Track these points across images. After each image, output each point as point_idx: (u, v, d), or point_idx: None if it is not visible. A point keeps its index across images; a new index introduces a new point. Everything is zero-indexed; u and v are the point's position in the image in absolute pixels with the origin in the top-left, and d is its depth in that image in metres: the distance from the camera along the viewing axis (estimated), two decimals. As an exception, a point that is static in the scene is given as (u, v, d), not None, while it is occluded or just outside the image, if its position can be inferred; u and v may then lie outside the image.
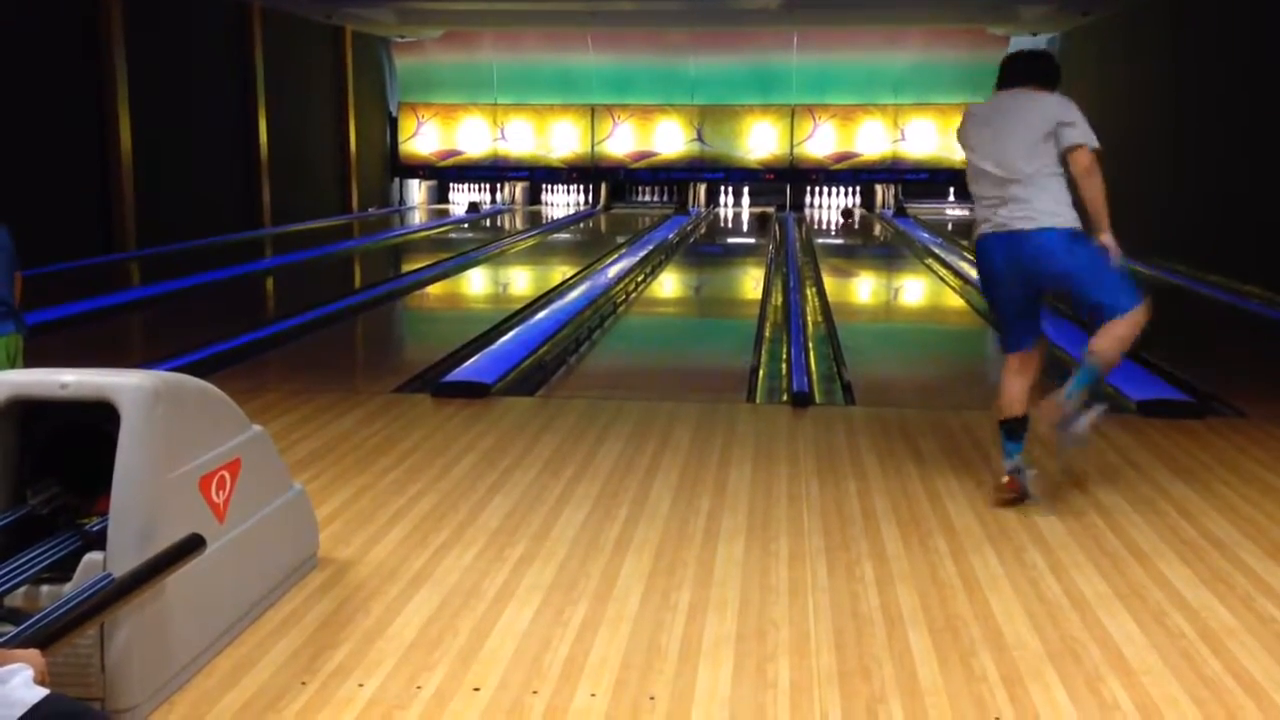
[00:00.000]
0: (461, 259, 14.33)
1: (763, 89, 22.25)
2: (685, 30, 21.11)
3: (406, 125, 23.09)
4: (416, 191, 23.84)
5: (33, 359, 4.35)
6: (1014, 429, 4.46)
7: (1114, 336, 4.28)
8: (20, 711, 1.88)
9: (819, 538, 4.10)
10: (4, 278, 4.40)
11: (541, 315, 9.47)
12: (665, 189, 23.58)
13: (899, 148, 22.20)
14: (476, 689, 2.97)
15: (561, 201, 23.59)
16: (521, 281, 13.39)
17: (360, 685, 2.98)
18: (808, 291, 11.31)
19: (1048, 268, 4.34)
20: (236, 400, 3.42)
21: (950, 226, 18.72)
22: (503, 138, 22.96)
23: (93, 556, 2.79)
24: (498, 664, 3.10)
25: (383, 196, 22.63)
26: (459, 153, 23.08)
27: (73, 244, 12.68)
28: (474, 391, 6.32)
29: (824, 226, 20.17)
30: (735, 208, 23.38)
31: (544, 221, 20.69)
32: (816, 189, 22.92)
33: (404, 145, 23.13)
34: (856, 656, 3.17)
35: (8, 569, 2.74)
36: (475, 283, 13.05)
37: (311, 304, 9.97)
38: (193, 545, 2.93)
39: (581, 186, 23.44)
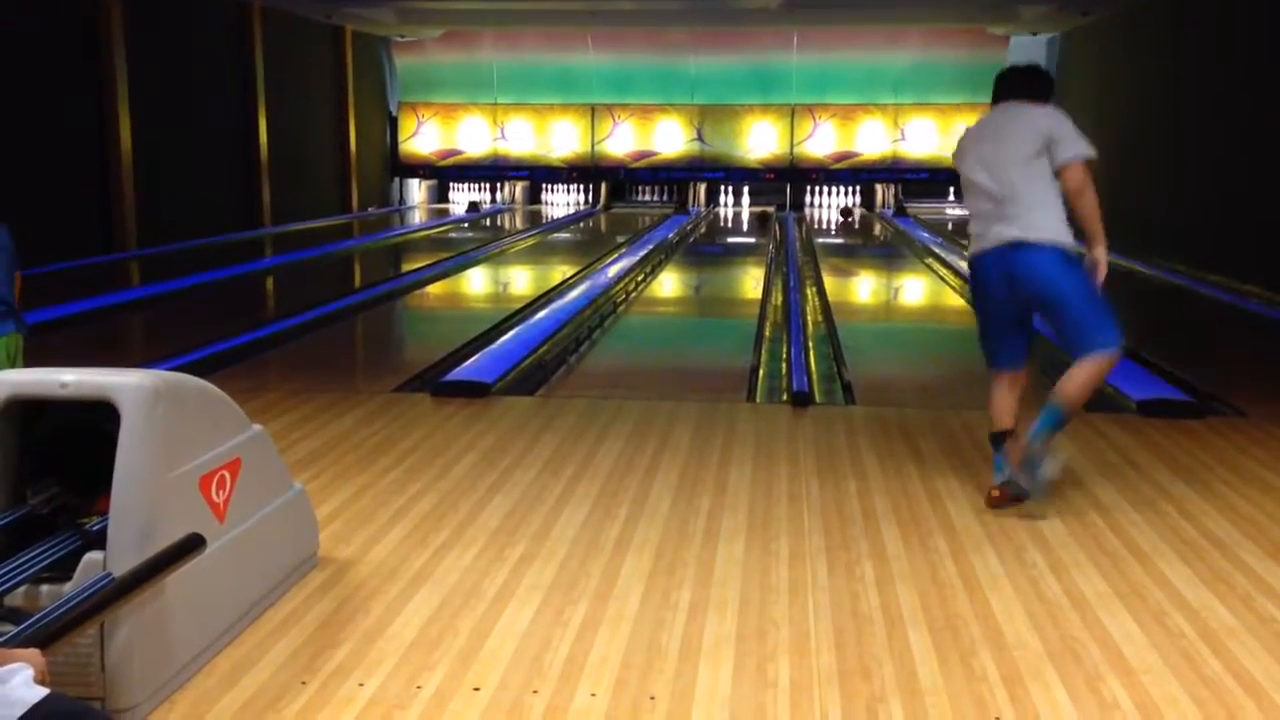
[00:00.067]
0: (461, 258, 14.33)
1: (763, 88, 22.25)
2: (685, 30, 21.12)
3: (406, 125, 23.10)
4: (416, 191, 23.85)
5: (33, 358, 4.35)
6: (1004, 441, 4.46)
7: (1081, 381, 4.24)
8: (20, 711, 1.88)
9: (819, 537, 4.10)
10: (4, 277, 4.40)
11: (541, 315, 9.47)
12: (665, 188, 23.58)
13: (899, 147, 22.20)
14: (476, 689, 2.97)
15: (561, 201, 23.60)
16: (521, 281, 13.39)
17: (360, 685, 2.99)
18: (808, 291, 11.31)
19: (1038, 287, 4.30)
20: (237, 400, 3.42)
21: (950, 226, 18.71)
22: (503, 137, 22.96)
23: (93, 556, 2.79)
24: (498, 664, 3.10)
25: (383, 196, 22.63)
26: (459, 152, 23.08)
27: (73, 244, 12.69)
28: (474, 391, 6.32)
29: (824, 226, 20.17)
30: (735, 207, 23.39)
31: (544, 221, 20.69)
32: (816, 188, 22.92)
33: (404, 145, 23.13)
34: (856, 656, 3.17)
35: (8, 568, 2.74)
36: (475, 282, 13.05)
37: (311, 304, 9.98)
38: (193, 545, 2.93)
39: (581, 186, 23.45)
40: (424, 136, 23.10)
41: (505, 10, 18.61)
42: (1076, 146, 4.28)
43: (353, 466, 4.94)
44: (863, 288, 13.40)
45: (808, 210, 22.54)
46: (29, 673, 1.96)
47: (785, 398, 6.63)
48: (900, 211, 21.79)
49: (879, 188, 22.71)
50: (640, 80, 22.48)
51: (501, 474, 4.84)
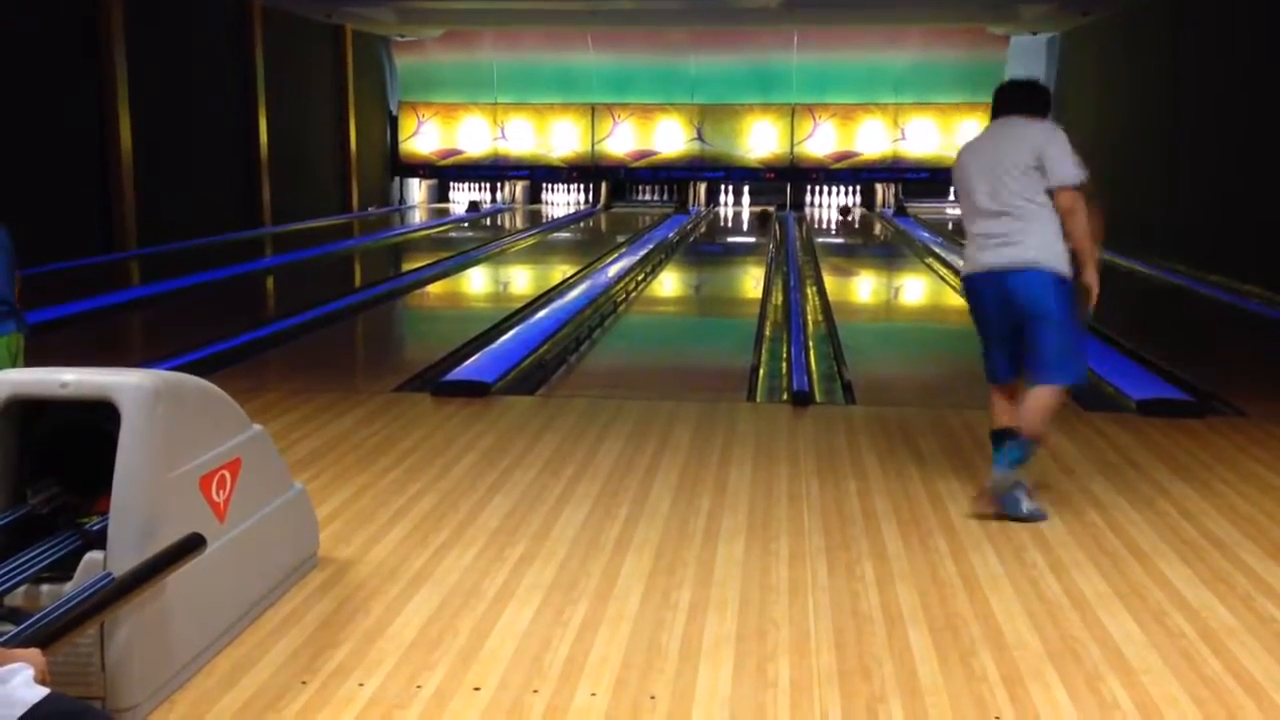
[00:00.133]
0: (461, 258, 14.33)
1: (763, 88, 22.25)
2: (685, 29, 21.11)
3: (407, 124, 23.10)
4: (417, 190, 23.85)
5: (33, 358, 4.35)
6: (1003, 439, 4.46)
7: (1038, 412, 4.30)
8: (21, 711, 1.88)
9: (819, 537, 4.10)
10: (6, 277, 4.40)
11: (542, 314, 9.47)
12: (665, 188, 23.58)
13: (899, 147, 22.20)
14: (477, 689, 2.97)
15: (562, 200, 23.60)
16: (521, 280, 13.39)
17: (360, 685, 2.99)
18: (808, 290, 11.31)
19: (1025, 309, 4.31)
20: (237, 399, 3.42)
21: (951, 226, 18.71)
22: (503, 137, 22.96)
23: (93, 556, 2.79)
24: (498, 663, 3.10)
25: (383, 196, 22.63)
26: (459, 152, 23.09)
27: (73, 243, 12.69)
28: (474, 391, 6.32)
29: (824, 225, 20.17)
30: (735, 207, 23.39)
31: (544, 220, 20.69)
32: (817, 188, 22.92)
33: (404, 144, 23.14)
34: (857, 656, 3.17)
35: (8, 568, 2.74)
36: (475, 282, 13.05)
37: (312, 303, 9.98)
38: (193, 545, 2.93)
39: (582, 185, 23.45)
40: (424, 136, 23.10)
41: (505, 10, 18.61)
42: (1067, 170, 4.27)
43: (353, 466, 4.94)
44: (863, 287, 13.40)
45: (808, 210, 22.55)
46: (29, 673, 1.96)
47: (785, 397, 6.62)
48: (900, 211, 21.79)
49: (879, 187, 22.71)
50: (640, 80, 22.49)
51: (501, 474, 4.84)
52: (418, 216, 21.57)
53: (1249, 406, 6.13)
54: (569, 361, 7.91)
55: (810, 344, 8.31)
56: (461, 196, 23.58)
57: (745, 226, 20.53)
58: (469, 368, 7.03)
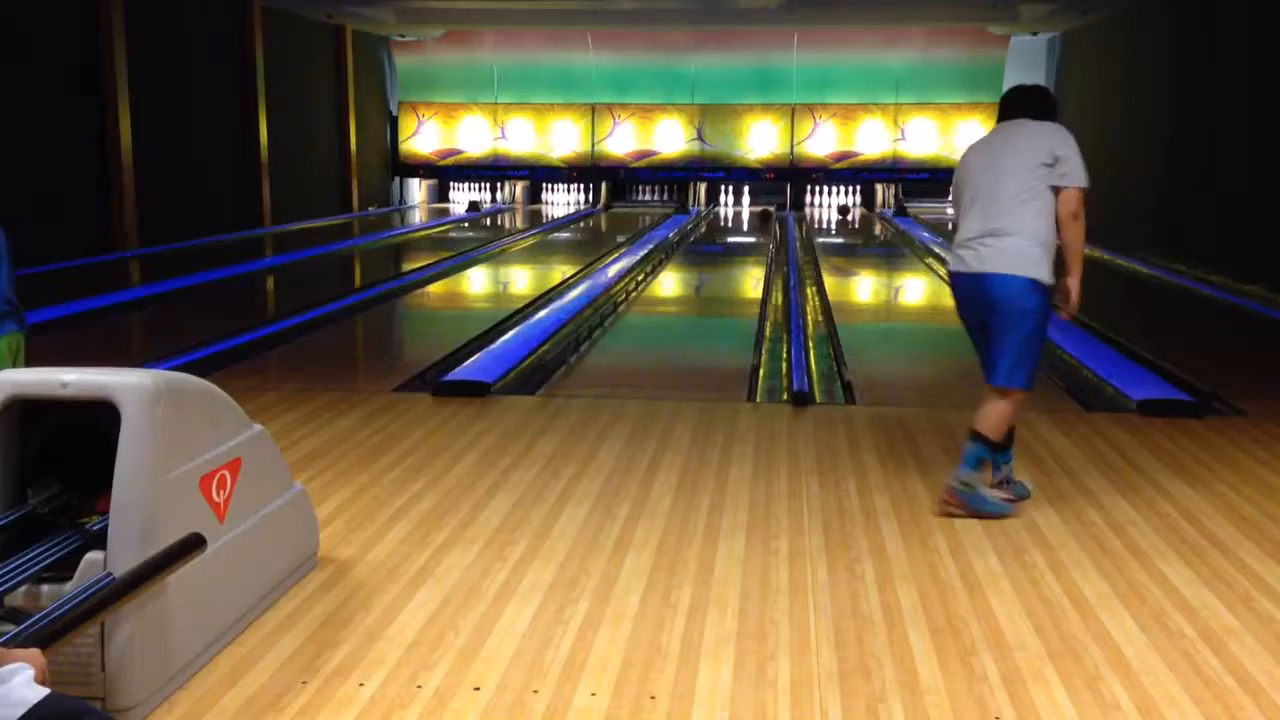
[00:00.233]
0: (462, 258, 14.33)
1: (763, 88, 22.26)
2: (685, 29, 21.12)
3: (407, 124, 23.11)
4: (417, 190, 23.86)
5: (33, 358, 4.35)
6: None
7: (995, 419, 4.32)
8: (21, 711, 1.89)
9: (819, 536, 4.11)
10: (7, 278, 4.40)
11: (542, 314, 9.47)
12: (665, 188, 23.58)
13: (899, 147, 22.20)
14: (477, 688, 2.97)
15: (562, 200, 23.60)
16: (522, 280, 13.39)
17: (361, 684, 2.99)
18: (808, 290, 11.31)
19: (996, 307, 4.31)
20: (237, 399, 3.42)
21: (951, 226, 18.70)
22: (503, 137, 22.97)
23: (93, 556, 2.79)
24: (498, 663, 3.10)
25: (383, 195, 22.63)
26: (459, 152, 23.09)
27: (73, 243, 12.69)
28: (474, 390, 6.32)
29: (824, 225, 20.18)
30: (735, 207, 23.39)
31: (544, 220, 20.69)
32: (817, 188, 22.92)
33: (404, 144, 23.14)
34: (857, 655, 3.17)
35: (9, 568, 2.74)
36: (475, 282, 13.05)
37: (312, 303, 9.98)
38: (193, 545, 2.93)
39: (582, 185, 23.45)
40: (424, 136, 23.11)
41: (505, 10, 18.62)
42: (1080, 173, 4.29)
43: (353, 466, 4.94)
44: (863, 287, 13.39)
45: (808, 210, 22.55)
46: (30, 673, 1.96)
47: (785, 397, 6.62)
48: (900, 211, 21.79)
49: (879, 187, 22.71)
50: (640, 80, 22.49)
51: (502, 473, 4.84)
52: (418, 216, 21.56)
53: (1249, 406, 6.13)
54: (569, 361, 7.91)
55: (810, 344, 8.31)
56: (461, 196, 23.59)
57: (745, 226, 20.53)
58: (469, 368, 7.03)
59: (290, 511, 3.63)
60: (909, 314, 11.99)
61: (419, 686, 2.97)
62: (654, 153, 22.74)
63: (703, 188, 23.24)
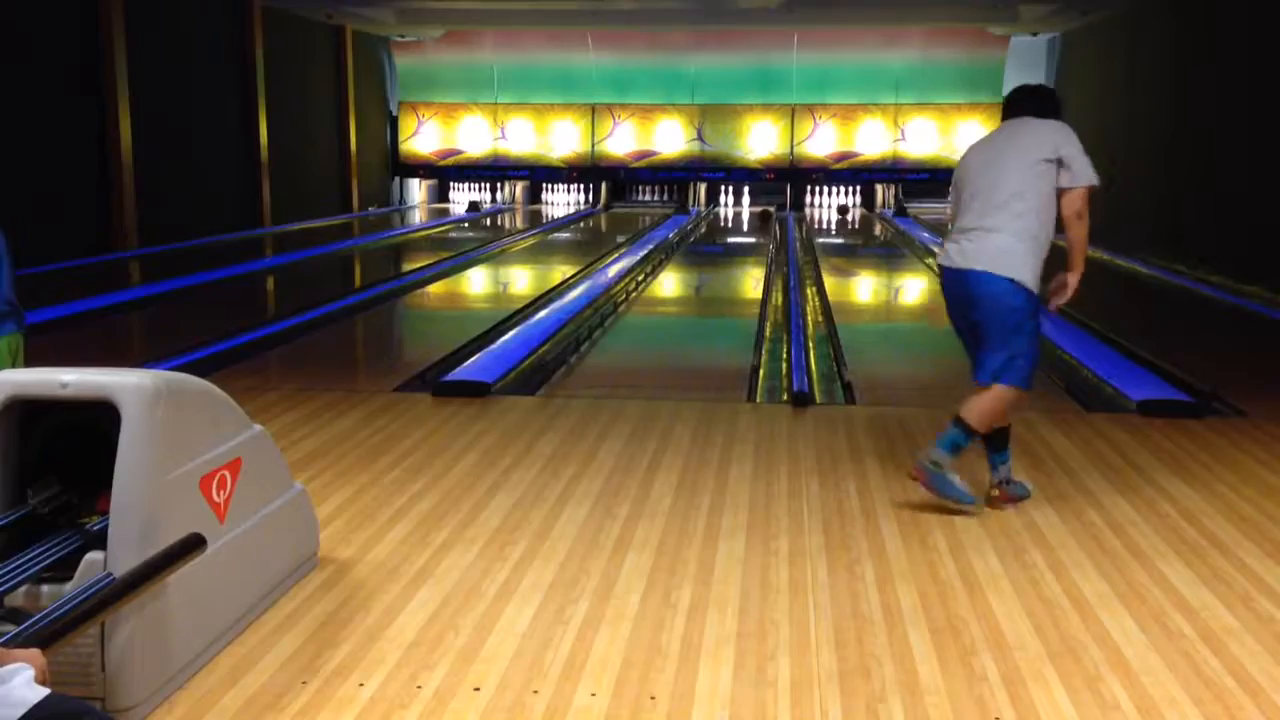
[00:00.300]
0: (462, 258, 14.34)
1: (763, 88, 22.26)
2: (685, 29, 21.12)
3: (407, 124, 23.11)
4: (417, 191, 23.86)
5: (33, 358, 4.35)
6: (994, 439, 4.46)
7: (981, 411, 4.29)
8: (21, 711, 1.89)
9: (819, 536, 4.11)
10: (7, 278, 4.40)
11: (542, 314, 9.47)
12: (665, 188, 23.59)
13: (899, 147, 22.21)
14: (477, 688, 2.97)
15: (562, 201, 23.60)
16: (522, 281, 13.39)
17: (361, 685, 2.99)
18: (808, 291, 11.31)
19: (978, 304, 4.31)
20: (237, 399, 3.42)
21: (950, 227, 18.70)
22: (503, 137, 22.97)
23: (93, 556, 2.79)
24: (498, 663, 3.10)
25: (383, 196, 22.63)
26: (459, 152, 23.09)
27: (73, 243, 12.69)
28: (474, 391, 6.32)
29: (824, 226, 20.18)
30: (735, 207, 23.39)
31: (544, 221, 20.69)
32: (817, 188, 22.93)
33: (404, 144, 23.14)
34: (857, 655, 3.17)
35: (9, 568, 2.74)
36: (475, 282, 13.05)
37: (312, 303, 9.98)
38: (193, 545, 2.93)
39: (582, 186, 23.45)
40: (424, 136, 23.11)
41: (505, 10, 18.62)
42: (1086, 170, 4.28)
43: (353, 466, 4.94)
44: (863, 288, 13.39)
45: (808, 210, 22.55)
46: (30, 673, 1.96)
47: (785, 397, 6.62)
48: (900, 211, 21.79)
49: (879, 188, 22.71)
50: (640, 80, 22.50)
51: (502, 473, 4.84)
52: (418, 217, 21.57)
53: (1249, 407, 6.13)
54: (569, 362, 7.91)
55: (810, 344, 8.31)
56: (461, 196, 23.59)
57: (745, 227, 20.53)
58: (469, 368, 7.03)
59: (290, 511, 3.63)
60: (909, 314, 11.99)
61: (419, 687, 2.97)
62: (654, 153, 22.74)
63: (703, 188, 23.24)
